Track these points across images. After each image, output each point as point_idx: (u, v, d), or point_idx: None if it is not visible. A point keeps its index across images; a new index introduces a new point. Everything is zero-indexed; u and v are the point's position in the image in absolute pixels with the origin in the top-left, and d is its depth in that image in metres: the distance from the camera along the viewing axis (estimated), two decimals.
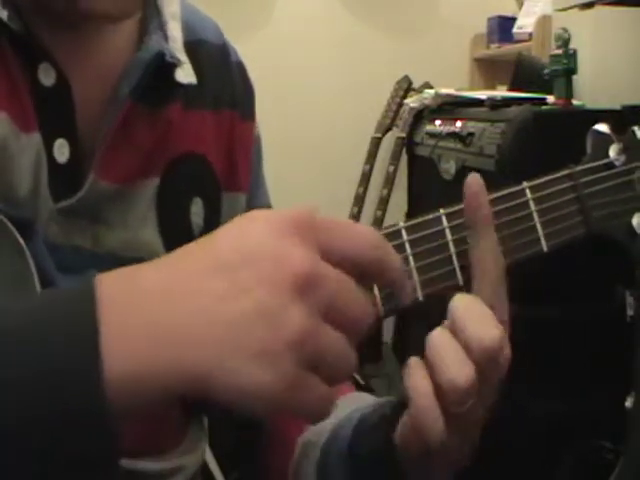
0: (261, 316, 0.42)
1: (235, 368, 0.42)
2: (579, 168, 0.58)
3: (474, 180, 0.53)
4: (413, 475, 0.59)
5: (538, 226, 0.56)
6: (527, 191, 0.56)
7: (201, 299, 0.43)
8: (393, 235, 0.52)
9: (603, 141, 0.60)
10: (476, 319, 0.50)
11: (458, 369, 0.49)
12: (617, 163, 0.59)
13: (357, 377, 2.35)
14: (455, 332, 0.50)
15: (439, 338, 0.50)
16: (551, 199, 0.56)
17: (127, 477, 0.64)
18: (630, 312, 0.72)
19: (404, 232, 0.53)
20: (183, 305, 0.43)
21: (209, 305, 0.43)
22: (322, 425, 0.68)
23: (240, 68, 0.79)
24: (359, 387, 2.73)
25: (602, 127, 0.60)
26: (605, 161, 0.59)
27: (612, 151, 0.59)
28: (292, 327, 0.42)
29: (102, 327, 0.41)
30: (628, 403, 1.24)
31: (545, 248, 0.56)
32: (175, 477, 0.69)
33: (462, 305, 0.51)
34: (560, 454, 1.52)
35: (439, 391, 0.50)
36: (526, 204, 0.55)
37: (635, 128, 0.61)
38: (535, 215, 0.56)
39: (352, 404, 0.69)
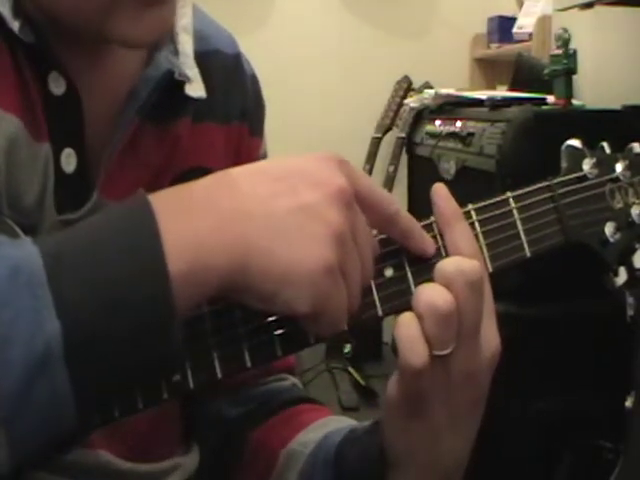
0: (306, 211, 0.47)
1: (283, 252, 0.47)
2: (557, 180, 0.62)
3: (439, 186, 0.57)
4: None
5: (521, 233, 0.59)
6: (511, 200, 0.59)
7: (249, 198, 0.47)
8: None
9: (577, 155, 0.64)
10: (455, 258, 0.54)
11: (436, 293, 0.52)
12: (590, 176, 0.63)
13: (357, 377, 2.35)
14: (437, 273, 0.53)
15: (423, 284, 0.54)
16: (532, 208, 0.60)
17: (125, 476, 0.65)
18: (630, 312, 0.72)
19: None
20: (230, 202, 0.47)
21: (259, 202, 0.47)
22: (308, 437, 0.69)
23: (254, 82, 0.78)
24: (359, 387, 2.72)
25: (575, 142, 0.64)
26: (579, 174, 0.63)
27: (585, 165, 0.63)
28: (331, 222, 0.48)
29: (162, 230, 0.45)
30: (628, 403, 1.24)
31: (528, 254, 0.59)
32: (172, 476, 0.70)
33: (445, 258, 0.55)
34: (560, 454, 1.52)
35: (422, 324, 0.52)
36: (510, 213, 0.59)
37: (604, 144, 0.65)
38: (518, 223, 0.59)
39: (341, 422, 0.71)
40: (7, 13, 0.57)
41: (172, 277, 0.44)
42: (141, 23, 0.57)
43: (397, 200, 0.54)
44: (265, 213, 0.47)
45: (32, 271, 0.43)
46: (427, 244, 0.55)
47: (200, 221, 0.47)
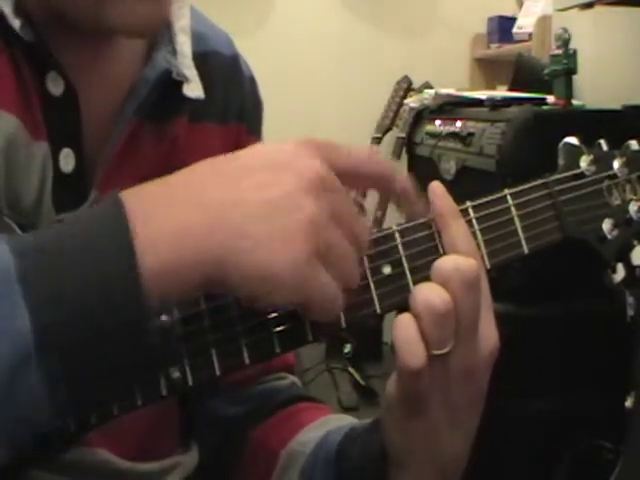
0: (278, 204, 0.47)
1: (255, 247, 0.46)
2: (554, 177, 0.62)
3: (436, 184, 0.57)
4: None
5: (519, 230, 0.59)
6: (508, 197, 0.59)
7: (223, 191, 0.47)
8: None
9: (574, 153, 0.64)
10: (452, 257, 0.54)
11: (433, 292, 0.52)
12: (588, 173, 0.63)
13: (357, 377, 2.35)
14: (434, 272, 0.53)
15: (420, 284, 0.53)
16: (530, 205, 0.60)
17: (124, 475, 0.65)
18: (630, 312, 0.72)
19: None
20: (204, 196, 0.47)
21: (231, 196, 0.47)
22: (308, 436, 0.69)
23: (252, 82, 0.78)
24: (359, 387, 2.72)
25: (573, 140, 0.64)
26: (577, 171, 0.63)
27: (583, 162, 0.63)
28: (306, 214, 0.47)
29: (133, 228, 0.44)
30: (628, 403, 1.24)
31: (526, 250, 0.59)
32: (171, 475, 0.70)
33: (442, 257, 0.54)
34: (560, 454, 1.52)
35: (420, 324, 0.52)
36: (508, 210, 0.59)
37: (602, 141, 0.65)
38: (516, 220, 0.59)
39: (341, 420, 0.71)
40: (9, 11, 0.57)
41: (145, 278, 0.44)
42: (138, 10, 0.57)
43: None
44: (235, 217, 0.46)
45: (4, 269, 0.42)
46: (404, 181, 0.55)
47: (172, 221, 0.46)
